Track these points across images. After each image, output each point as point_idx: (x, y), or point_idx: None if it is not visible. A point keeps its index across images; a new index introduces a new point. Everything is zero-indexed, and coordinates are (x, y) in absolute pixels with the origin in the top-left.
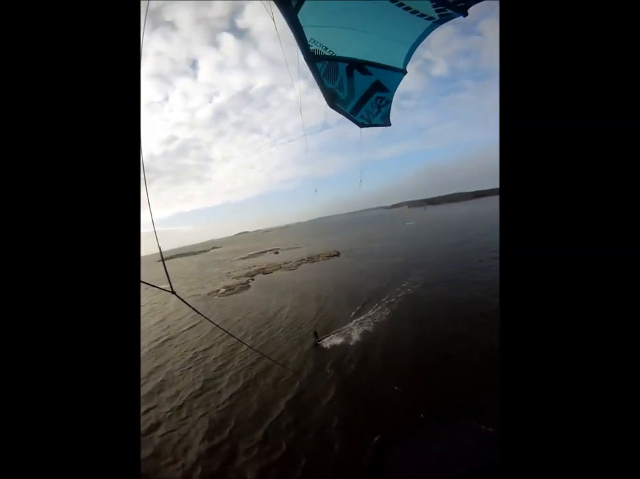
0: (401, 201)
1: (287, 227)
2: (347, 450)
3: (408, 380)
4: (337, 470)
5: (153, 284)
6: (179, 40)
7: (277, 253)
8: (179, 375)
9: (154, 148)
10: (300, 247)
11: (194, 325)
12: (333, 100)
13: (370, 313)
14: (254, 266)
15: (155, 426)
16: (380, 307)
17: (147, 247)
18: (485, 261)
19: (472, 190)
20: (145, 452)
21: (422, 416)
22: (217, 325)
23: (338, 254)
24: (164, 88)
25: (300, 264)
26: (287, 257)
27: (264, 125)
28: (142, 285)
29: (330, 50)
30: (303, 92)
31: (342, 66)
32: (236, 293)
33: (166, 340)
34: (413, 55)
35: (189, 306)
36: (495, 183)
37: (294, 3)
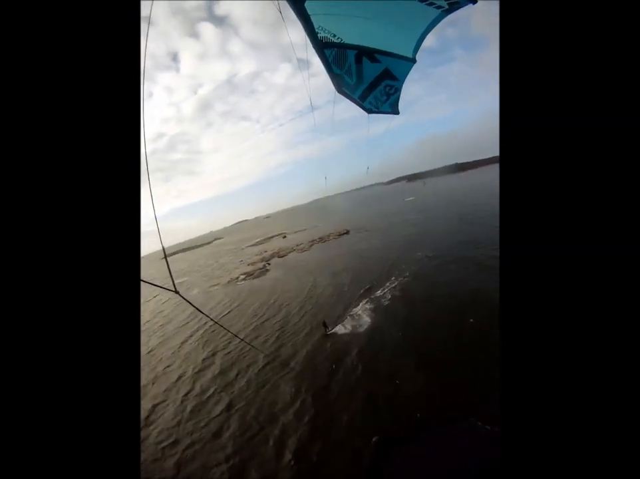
0: (398, 176)
1: (285, 211)
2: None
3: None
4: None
5: (155, 284)
6: (158, 34)
7: (285, 237)
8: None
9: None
10: (307, 230)
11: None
12: (341, 86)
13: (398, 278)
14: (266, 251)
15: None
16: (402, 276)
17: (148, 245)
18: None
19: (469, 161)
20: None
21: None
22: (222, 325)
23: (347, 232)
24: (147, 85)
25: (312, 244)
26: (297, 240)
27: (252, 111)
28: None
29: (338, 37)
30: (289, 76)
31: (351, 53)
32: (256, 277)
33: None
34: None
35: (193, 306)
36: (491, 153)
37: None
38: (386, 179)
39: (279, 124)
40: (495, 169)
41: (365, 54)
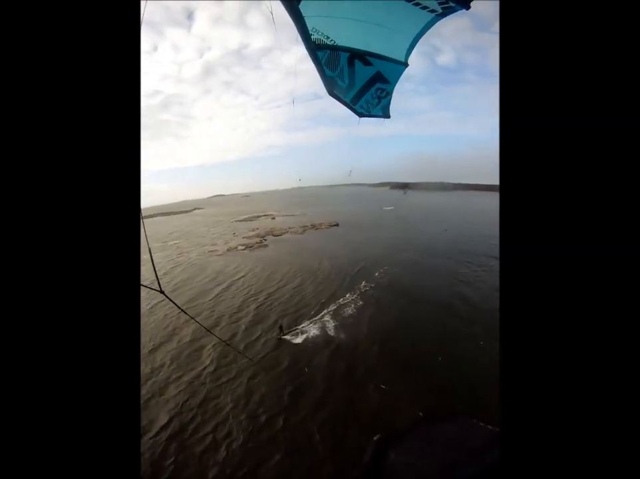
0: (383, 181)
1: (265, 193)
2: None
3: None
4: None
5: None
6: None
7: (273, 218)
8: None
9: None
10: (295, 215)
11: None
12: (333, 89)
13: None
14: (257, 228)
15: None
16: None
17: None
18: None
19: (455, 182)
20: None
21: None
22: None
23: (337, 224)
24: (154, 38)
25: (305, 230)
26: (287, 223)
27: (253, 87)
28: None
29: (332, 40)
30: (302, 59)
31: (344, 56)
32: (256, 249)
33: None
34: (420, 40)
35: (179, 307)
36: (482, 179)
37: None
38: (372, 182)
39: (277, 105)
40: (483, 196)
41: (358, 57)
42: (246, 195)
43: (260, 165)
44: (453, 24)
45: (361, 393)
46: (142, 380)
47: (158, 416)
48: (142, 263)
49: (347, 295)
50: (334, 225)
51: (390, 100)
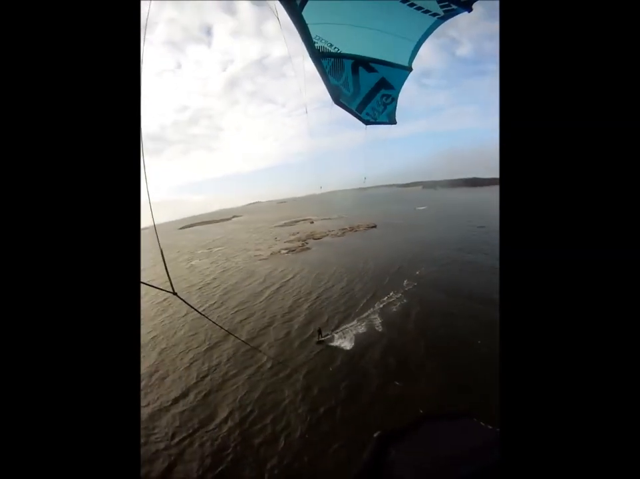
0: (414, 180)
1: (299, 199)
2: None
3: None
4: None
5: (153, 285)
6: (192, 7)
7: (312, 222)
8: None
9: (165, 117)
10: (332, 219)
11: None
12: (338, 97)
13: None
14: (297, 232)
15: None
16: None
17: (164, 215)
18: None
19: (488, 177)
20: None
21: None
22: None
23: (375, 226)
24: (176, 56)
25: (344, 232)
26: (325, 227)
27: (279, 95)
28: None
29: (335, 47)
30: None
31: (348, 63)
32: (299, 252)
33: None
34: (436, 31)
35: (192, 307)
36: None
37: (299, 1)
38: (402, 182)
39: (304, 112)
40: None
41: (362, 63)
42: (282, 201)
43: (290, 171)
44: (467, 15)
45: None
46: (199, 376)
47: (216, 410)
48: (161, 267)
49: (391, 293)
50: (372, 226)
51: (396, 106)
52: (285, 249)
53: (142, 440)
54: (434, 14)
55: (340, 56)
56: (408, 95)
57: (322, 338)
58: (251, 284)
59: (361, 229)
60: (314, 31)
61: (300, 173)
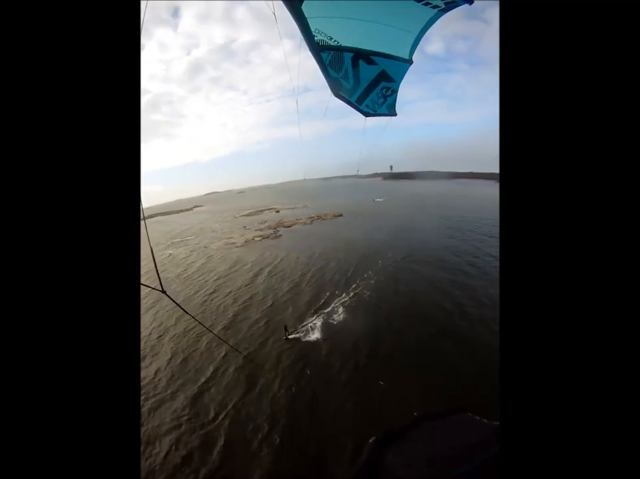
0: (376, 172)
1: (257, 189)
2: None
3: None
4: None
5: (143, 284)
6: None
7: (278, 212)
8: None
9: None
10: (297, 208)
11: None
12: (338, 90)
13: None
14: (266, 221)
15: None
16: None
17: None
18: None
19: (447, 171)
20: None
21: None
22: (206, 326)
23: (341, 215)
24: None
25: (313, 221)
26: (293, 215)
27: (242, 82)
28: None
29: (335, 40)
30: (288, 53)
31: (348, 56)
32: (272, 239)
33: None
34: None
35: (180, 307)
36: (477, 167)
37: None
38: (366, 173)
39: (267, 100)
40: (478, 184)
41: (362, 56)
42: (241, 191)
43: (250, 160)
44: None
45: None
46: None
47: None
48: (145, 263)
49: (370, 272)
50: (339, 215)
51: (396, 98)
52: (259, 236)
53: None
54: (435, 7)
55: (340, 49)
56: None
57: (288, 335)
58: (238, 269)
59: (329, 217)
60: (313, 24)
61: (259, 163)
